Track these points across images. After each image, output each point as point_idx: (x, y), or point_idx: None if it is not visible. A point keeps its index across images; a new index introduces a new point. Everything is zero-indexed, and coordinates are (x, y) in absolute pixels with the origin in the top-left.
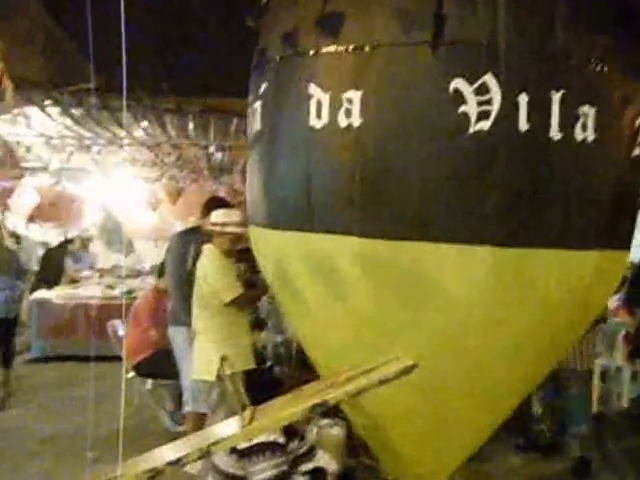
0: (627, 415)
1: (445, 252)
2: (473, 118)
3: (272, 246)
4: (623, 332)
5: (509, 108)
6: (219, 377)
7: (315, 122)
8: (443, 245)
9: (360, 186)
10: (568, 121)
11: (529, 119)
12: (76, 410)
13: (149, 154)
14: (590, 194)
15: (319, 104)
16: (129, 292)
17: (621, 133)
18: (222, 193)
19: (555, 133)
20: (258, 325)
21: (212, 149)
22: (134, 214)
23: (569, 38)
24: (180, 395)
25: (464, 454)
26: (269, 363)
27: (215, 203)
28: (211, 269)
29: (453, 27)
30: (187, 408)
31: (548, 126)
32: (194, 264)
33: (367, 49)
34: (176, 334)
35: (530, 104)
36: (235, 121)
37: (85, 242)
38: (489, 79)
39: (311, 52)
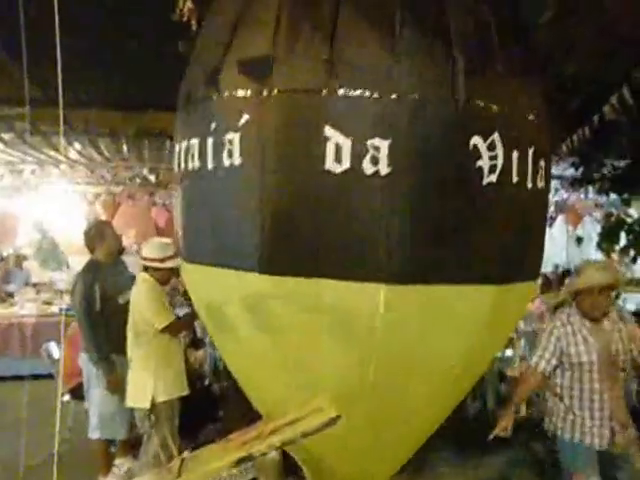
0: None
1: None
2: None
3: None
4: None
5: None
6: (153, 405)
7: (332, 166)
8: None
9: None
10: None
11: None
12: (8, 434)
13: (85, 171)
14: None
15: (338, 148)
16: (67, 310)
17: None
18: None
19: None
20: (195, 344)
21: (146, 171)
22: (70, 230)
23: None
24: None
25: (394, 467)
26: (207, 381)
27: (98, 229)
28: (144, 297)
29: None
30: (94, 435)
31: None
32: (101, 302)
33: (393, 97)
34: (86, 362)
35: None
36: (169, 143)
37: (19, 260)
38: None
39: (324, 92)
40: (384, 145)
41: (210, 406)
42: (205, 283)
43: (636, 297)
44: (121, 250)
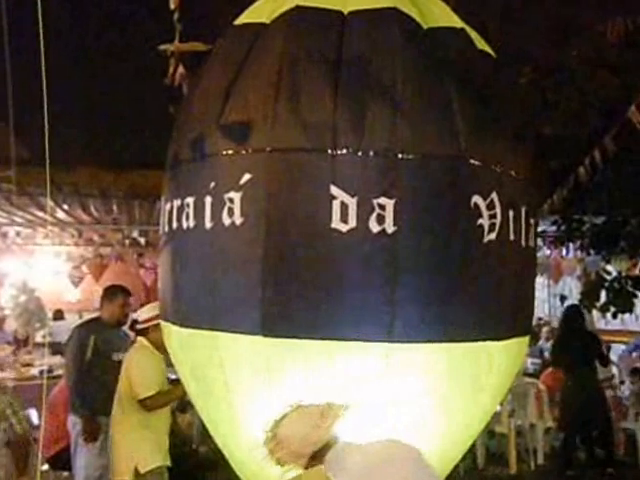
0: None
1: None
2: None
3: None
4: (534, 390)
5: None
6: (138, 475)
7: (338, 225)
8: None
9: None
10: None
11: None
12: None
13: (73, 232)
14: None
15: (344, 207)
16: (49, 371)
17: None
18: (143, 272)
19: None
20: (182, 407)
21: (136, 233)
22: (56, 290)
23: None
24: None
25: None
26: (194, 445)
27: (113, 291)
28: (135, 362)
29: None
30: None
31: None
32: (93, 354)
33: (398, 155)
34: (74, 424)
35: None
36: (158, 204)
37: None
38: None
39: (329, 152)
40: (389, 204)
41: (198, 470)
42: (193, 345)
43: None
44: (126, 318)
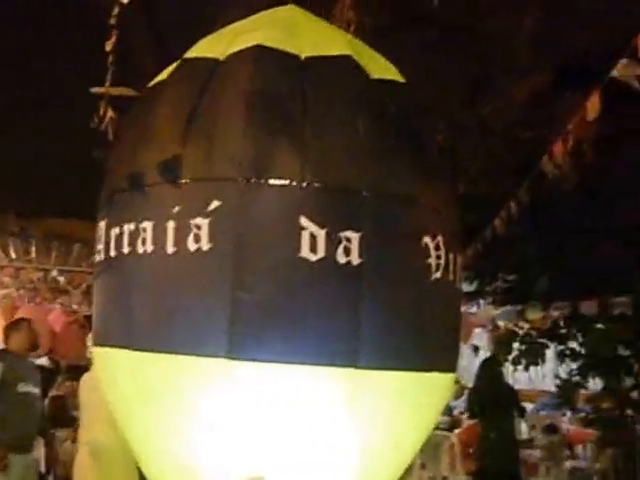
0: None
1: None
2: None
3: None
4: (447, 443)
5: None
6: None
7: (307, 255)
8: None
9: None
10: None
11: None
12: None
13: None
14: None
15: (313, 238)
16: None
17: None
18: (59, 313)
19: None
20: None
21: (55, 272)
22: None
23: None
24: None
25: None
26: None
27: (18, 321)
28: (81, 401)
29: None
30: None
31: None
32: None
33: (363, 193)
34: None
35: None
36: (76, 246)
37: None
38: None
39: (300, 184)
40: (355, 237)
41: None
42: (144, 370)
43: None
44: (33, 349)
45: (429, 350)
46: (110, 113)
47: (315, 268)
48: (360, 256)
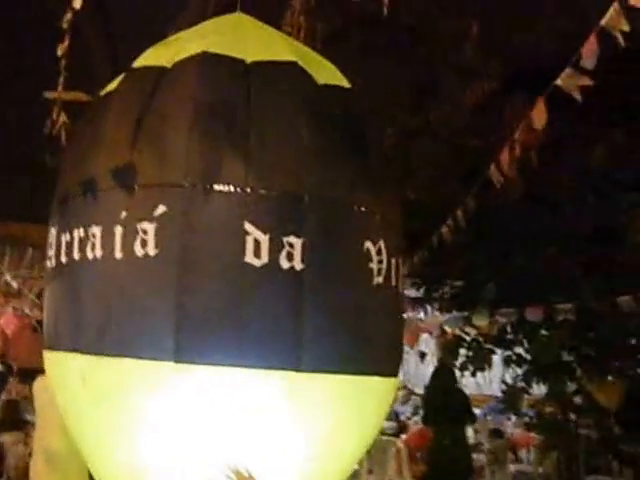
0: None
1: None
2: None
3: None
4: (393, 448)
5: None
6: None
7: (252, 260)
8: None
9: None
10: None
11: None
12: None
13: None
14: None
15: (257, 243)
16: None
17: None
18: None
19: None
20: None
21: (8, 276)
22: None
23: None
24: None
25: None
26: None
27: None
28: (35, 404)
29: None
30: None
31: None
32: None
33: (306, 199)
34: None
35: None
36: (29, 250)
37: None
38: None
39: (244, 190)
40: (298, 243)
41: None
42: (96, 374)
43: None
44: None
45: (371, 354)
46: (63, 118)
47: (259, 273)
48: (302, 261)
